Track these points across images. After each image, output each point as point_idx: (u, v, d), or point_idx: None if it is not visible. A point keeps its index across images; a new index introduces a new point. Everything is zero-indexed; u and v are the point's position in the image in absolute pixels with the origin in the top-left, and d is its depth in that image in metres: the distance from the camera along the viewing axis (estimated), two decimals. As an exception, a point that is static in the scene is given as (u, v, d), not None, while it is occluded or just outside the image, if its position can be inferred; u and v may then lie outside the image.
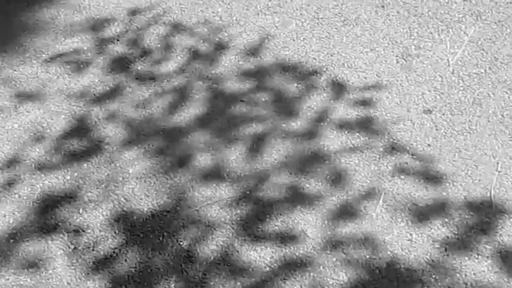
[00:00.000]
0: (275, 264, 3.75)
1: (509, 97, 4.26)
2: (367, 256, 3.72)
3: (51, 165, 4.32)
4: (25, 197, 4.18)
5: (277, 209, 3.95)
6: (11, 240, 4.01)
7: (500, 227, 3.73)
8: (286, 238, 3.84)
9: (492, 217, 3.77)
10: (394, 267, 3.66)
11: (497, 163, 3.98)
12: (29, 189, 4.21)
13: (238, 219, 3.94)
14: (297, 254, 3.77)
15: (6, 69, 4.85)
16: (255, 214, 3.95)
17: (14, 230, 4.05)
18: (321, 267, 3.71)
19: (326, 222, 3.87)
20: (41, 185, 4.23)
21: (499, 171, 3.95)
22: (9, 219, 4.10)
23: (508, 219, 3.75)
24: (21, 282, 3.84)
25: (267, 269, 3.74)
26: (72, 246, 3.94)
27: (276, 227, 3.88)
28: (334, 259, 3.73)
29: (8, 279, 3.86)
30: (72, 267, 3.86)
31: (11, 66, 4.87)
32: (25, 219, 4.08)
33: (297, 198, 3.98)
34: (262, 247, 3.82)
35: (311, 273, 3.69)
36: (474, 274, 3.59)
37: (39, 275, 3.85)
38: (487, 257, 3.64)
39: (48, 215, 4.09)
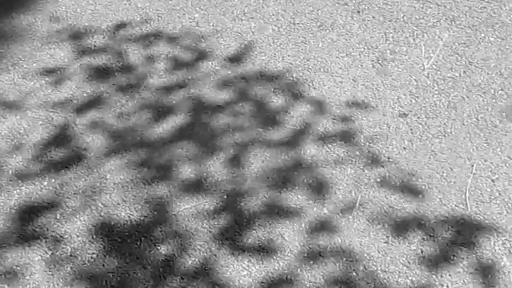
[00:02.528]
0: (253, 270, 3.75)
1: (483, 100, 4.29)
2: (344, 259, 3.73)
3: (30, 173, 4.30)
4: (2, 204, 4.16)
5: (257, 219, 3.95)
6: (-11, 248, 4.00)
7: (475, 229, 3.76)
8: (264, 245, 3.84)
9: (467, 219, 3.80)
10: (370, 270, 3.68)
11: (472, 165, 4.01)
12: (7, 197, 4.19)
13: (217, 225, 3.94)
14: (275, 259, 3.78)
15: (-16, 78, 4.84)
16: (234, 223, 3.95)
17: (-8, 238, 4.04)
18: (299, 270, 3.71)
19: (304, 228, 3.88)
20: (19, 192, 4.21)
21: (474, 174, 3.98)
22: (-13, 227, 4.09)
23: (483, 221, 3.78)
24: (0, 290, 3.83)
25: (245, 273, 3.75)
26: (50, 253, 3.93)
27: (255, 236, 3.89)
28: (312, 263, 3.74)
29: (-14, 287, 3.85)
30: (51, 274, 3.84)
31: (-11, 75, 4.86)
32: (3, 227, 4.06)
33: (276, 207, 3.99)
34: (240, 254, 3.82)
35: (289, 278, 3.69)
36: (450, 276, 3.61)
37: (17, 282, 3.84)
38: (462, 258, 3.66)
39: (26, 222, 4.07)
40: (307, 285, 3.67)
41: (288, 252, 3.79)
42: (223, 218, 3.96)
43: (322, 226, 3.87)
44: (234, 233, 3.89)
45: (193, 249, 3.85)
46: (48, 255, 3.92)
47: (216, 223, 3.94)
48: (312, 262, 3.75)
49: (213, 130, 4.37)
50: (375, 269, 3.68)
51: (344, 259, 3.73)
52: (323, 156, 4.16)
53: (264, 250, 3.81)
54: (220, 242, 3.87)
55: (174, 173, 4.19)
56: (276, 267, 3.74)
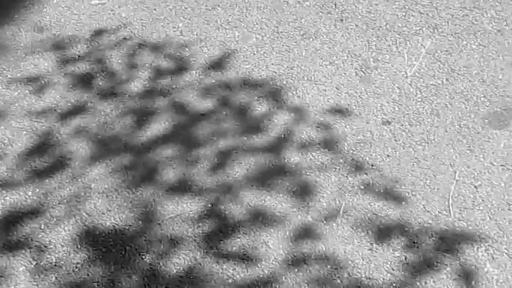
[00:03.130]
0: (237, 277, 3.75)
1: (466, 107, 4.32)
2: (329, 266, 3.74)
3: (13, 182, 4.29)
4: (-13, 215, 4.16)
5: (240, 224, 3.96)
6: (-27, 258, 3.99)
7: (459, 236, 3.77)
8: (248, 251, 3.85)
9: (451, 226, 3.82)
10: (355, 277, 3.69)
11: (455, 172, 4.03)
12: (-9, 207, 4.19)
13: (202, 233, 3.94)
14: (259, 265, 3.78)
15: (-33, 87, 4.83)
16: (218, 229, 3.96)
17: (-24, 248, 4.03)
18: (283, 278, 3.72)
19: (288, 235, 3.89)
20: (3, 201, 4.20)
21: (457, 180, 4.00)
22: (-29, 237, 4.08)
23: (466, 227, 3.80)
24: (-16, 300, 3.82)
25: (230, 281, 3.75)
26: (35, 263, 3.92)
27: (239, 240, 3.89)
28: (296, 270, 3.74)
29: (-30, 298, 3.84)
30: (35, 283, 3.83)
31: (-28, 84, 4.85)
32: (-13, 237, 4.06)
33: (260, 213, 3.99)
34: (225, 260, 3.82)
35: (273, 285, 3.70)
36: (433, 282, 3.62)
37: (2, 293, 3.83)
38: (446, 265, 3.68)
39: (10, 231, 4.06)
40: (291, 285, 3.68)
41: (273, 260, 3.79)
42: (207, 226, 3.96)
43: (307, 233, 3.88)
44: (218, 241, 3.89)
45: (178, 257, 3.85)
46: (32, 265, 3.91)
47: (200, 231, 3.94)
48: (296, 270, 3.75)
49: (197, 138, 4.37)
50: (359, 276, 3.69)
51: (328, 266, 3.74)
52: (307, 164, 4.17)
53: (249, 258, 3.81)
54: (205, 250, 3.87)
55: (158, 181, 4.19)
56: (261, 275, 3.74)
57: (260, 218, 3.96)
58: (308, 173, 4.12)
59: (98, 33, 5.11)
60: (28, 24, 5.21)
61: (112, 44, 5.02)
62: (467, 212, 3.85)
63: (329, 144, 4.25)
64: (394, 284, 3.64)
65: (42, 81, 4.84)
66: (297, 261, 3.78)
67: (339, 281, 3.68)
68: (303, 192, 4.05)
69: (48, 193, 4.21)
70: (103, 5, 5.25)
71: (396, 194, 3.98)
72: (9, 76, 4.89)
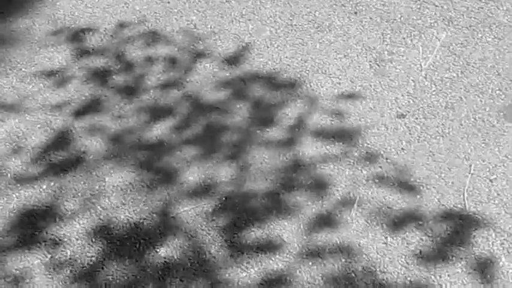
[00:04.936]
0: (252, 271, 3.76)
1: (481, 101, 4.30)
2: (343, 260, 3.74)
3: (29, 176, 4.31)
4: (2, 208, 4.16)
5: (254, 216, 3.96)
6: (-11, 252, 4.01)
7: (473, 229, 3.77)
8: (263, 245, 3.85)
9: (466, 220, 3.81)
10: (369, 271, 3.69)
11: (470, 166, 4.02)
12: (6, 200, 4.20)
13: (216, 226, 3.95)
14: (274, 260, 3.79)
15: (-18, 81, 4.86)
16: (232, 222, 3.96)
17: (-9, 242, 4.05)
18: (298, 273, 3.72)
19: (303, 228, 3.89)
20: (18, 195, 4.22)
21: (472, 174, 3.99)
22: (-13, 230, 4.10)
23: (481, 221, 3.79)
24: (0, 294, 3.84)
25: (244, 275, 3.75)
26: (50, 256, 3.94)
27: (253, 234, 3.90)
28: (311, 263, 3.75)
29: (-14, 291, 3.86)
30: (50, 277, 3.85)
31: (-13, 78, 4.87)
32: (2, 231, 4.07)
33: (274, 205, 4.00)
34: (239, 254, 3.83)
35: (288, 279, 3.70)
36: (448, 276, 3.62)
37: (17, 286, 3.84)
38: (461, 258, 3.67)
39: (25, 225, 4.08)
40: (306, 287, 3.68)
41: (287, 254, 3.80)
42: (222, 220, 3.97)
43: (321, 227, 3.88)
44: (232, 235, 3.90)
45: (192, 251, 3.86)
46: (47, 259, 3.93)
47: (215, 225, 3.95)
48: (310, 263, 3.75)
49: (211, 131, 4.38)
50: (374, 269, 3.69)
51: (343, 260, 3.74)
52: (321, 157, 4.17)
53: (263, 251, 3.82)
54: (219, 243, 3.88)
55: (173, 175, 4.20)
56: (275, 268, 3.75)
57: (274, 212, 3.96)
58: (322, 166, 4.12)
59: (113, 26, 5.12)
60: (42, 17, 5.22)
61: (126, 37, 5.03)
62: (483, 206, 3.84)
63: (343, 137, 4.24)
64: (408, 278, 3.64)
65: (57, 75, 4.85)
66: (311, 255, 3.78)
67: (353, 274, 3.68)
68: (318, 185, 4.05)
69: (63, 187, 4.23)
70: (117, -2, 5.27)
71: (411, 188, 3.98)
72: (23, 70, 4.90)
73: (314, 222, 3.91)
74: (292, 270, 3.74)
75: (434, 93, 4.38)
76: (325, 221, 3.91)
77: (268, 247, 3.84)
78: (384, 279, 3.64)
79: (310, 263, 3.75)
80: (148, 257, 3.87)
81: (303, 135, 4.29)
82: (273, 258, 3.79)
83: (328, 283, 3.68)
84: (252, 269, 3.76)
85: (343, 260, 3.74)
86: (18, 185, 4.27)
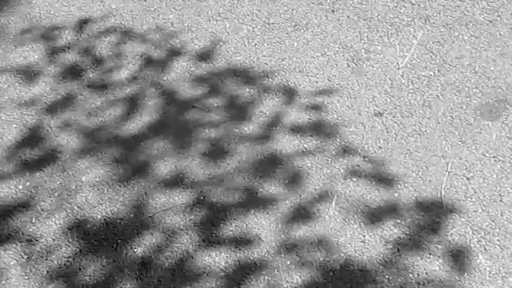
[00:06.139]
0: (230, 269, 3.77)
1: (457, 99, 4.33)
2: (321, 258, 3.75)
3: (3, 175, 4.29)
4: (-23, 208, 4.15)
5: (232, 214, 3.97)
6: (-37, 252, 3.98)
7: (450, 227, 3.79)
8: (240, 242, 3.86)
9: (442, 217, 3.83)
10: (347, 269, 3.70)
11: (447, 164, 4.05)
12: (-19, 200, 4.19)
13: (193, 224, 3.95)
14: (252, 257, 3.79)
15: (-44, 79, 4.82)
16: (209, 219, 3.96)
17: (-34, 242, 4.02)
18: (276, 271, 3.73)
19: (280, 225, 3.90)
20: (-7, 195, 4.20)
21: (449, 172, 4.01)
22: (-39, 230, 4.07)
23: (458, 219, 3.81)
24: (-25, 294, 3.82)
25: (222, 273, 3.76)
26: (26, 256, 3.92)
27: (231, 232, 3.90)
28: (289, 262, 3.76)
29: (-40, 291, 3.84)
30: (26, 278, 3.83)
31: (-39, 76, 4.85)
32: (-23, 230, 4.06)
33: (251, 202, 4.00)
34: (217, 252, 3.83)
35: (265, 277, 3.71)
36: (426, 273, 3.64)
37: (-7, 286, 3.83)
38: (439, 256, 3.70)
39: (1, 225, 4.06)
40: (284, 284, 3.68)
41: (265, 252, 3.80)
42: (199, 219, 3.97)
43: (299, 224, 3.89)
44: (210, 234, 3.90)
45: (171, 250, 3.86)
46: (23, 259, 3.91)
47: (192, 224, 3.95)
48: (288, 262, 3.76)
49: (188, 129, 4.37)
50: (352, 268, 3.70)
51: (321, 258, 3.75)
52: (298, 155, 4.17)
53: (239, 243, 3.83)
54: (197, 243, 3.88)
55: (150, 173, 4.19)
56: (253, 266, 3.75)
57: (252, 210, 3.97)
58: (300, 165, 4.13)
59: (88, 24, 5.10)
60: (18, 15, 5.19)
61: (102, 35, 5.01)
62: (460, 203, 3.87)
63: (320, 135, 4.25)
64: (387, 276, 3.65)
65: (32, 73, 4.82)
66: (289, 252, 3.79)
67: (331, 273, 3.69)
68: (295, 182, 4.06)
69: (38, 186, 4.21)
70: (92, -4, 5.25)
71: (388, 185, 4.00)
72: (-2, 68, 4.88)
73: (292, 220, 3.92)
74: (270, 268, 3.74)
75: (411, 91, 4.40)
76: (302, 218, 3.91)
77: (246, 245, 3.84)
78: (362, 278, 3.66)
79: (288, 262, 3.76)
80: (125, 256, 3.86)
81: (280, 133, 4.30)
82: (251, 257, 3.79)
83: (306, 281, 3.68)
84: (230, 269, 3.76)
85: (322, 258, 3.75)
86: (-7, 184, 4.25)
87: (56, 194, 4.16)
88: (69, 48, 4.97)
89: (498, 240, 3.73)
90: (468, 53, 4.55)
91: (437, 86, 4.40)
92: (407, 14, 4.82)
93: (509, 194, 3.89)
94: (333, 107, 4.38)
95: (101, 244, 3.92)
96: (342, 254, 3.75)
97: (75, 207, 4.09)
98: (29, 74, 4.82)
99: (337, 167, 4.10)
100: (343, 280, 3.66)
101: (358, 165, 4.10)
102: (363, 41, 4.70)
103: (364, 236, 3.81)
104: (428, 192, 3.94)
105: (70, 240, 3.96)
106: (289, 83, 4.53)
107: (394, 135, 4.20)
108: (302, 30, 4.82)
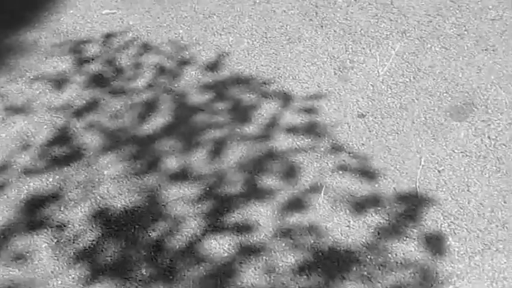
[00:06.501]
0: (232, 251, 3.74)
1: (430, 102, 4.30)
2: (312, 241, 3.73)
3: (36, 170, 4.26)
4: (13, 198, 4.12)
5: (234, 203, 3.94)
6: (1, 236, 3.96)
7: (424, 213, 3.76)
8: (241, 228, 3.84)
9: (418, 205, 3.81)
10: (335, 250, 3.68)
11: (421, 158, 4.02)
12: (17, 191, 4.16)
13: (200, 212, 3.92)
14: (251, 241, 3.77)
15: (-5, 87, 4.80)
16: (214, 208, 3.94)
17: (3, 227, 4.00)
18: (272, 252, 3.71)
19: (276, 212, 3.87)
20: (27, 187, 4.17)
21: (423, 166, 3.98)
22: (-1, 217, 4.06)
23: (431, 206, 3.79)
24: (11, 273, 3.79)
25: (226, 255, 3.74)
26: (55, 240, 3.90)
27: (233, 218, 3.87)
28: (283, 244, 3.74)
29: (-2, 271, 3.82)
30: (56, 258, 3.81)
31: (-1, 84, 4.83)
32: (13, 218, 4.03)
33: (251, 193, 3.98)
34: (221, 236, 3.81)
35: (264, 257, 3.70)
36: (403, 254, 3.62)
37: (27, 266, 3.81)
38: (414, 239, 3.67)
39: (33, 213, 4.04)
40: (279, 264, 3.66)
41: (263, 236, 3.79)
42: (206, 207, 3.95)
43: (292, 212, 3.87)
44: (215, 220, 3.87)
45: (181, 235, 3.84)
46: (53, 242, 3.89)
47: (200, 211, 3.92)
48: (283, 244, 3.74)
49: (196, 129, 4.35)
50: (339, 249, 3.68)
51: (312, 241, 3.73)
52: (292, 151, 4.15)
53: (240, 229, 3.82)
54: (204, 228, 3.85)
55: (163, 168, 4.17)
56: (253, 248, 3.74)
57: (252, 200, 3.94)
58: (293, 160, 4.10)
59: (109, 38, 5.07)
60: (48, 31, 5.16)
61: (121, 48, 4.98)
62: (432, 193, 3.84)
63: (312, 135, 4.23)
64: (369, 256, 3.63)
65: (61, 81, 4.80)
66: (284, 236, 3.77)
67: (320, 254, 3.67)
68: (289, 175, 4.03)
69: (66, 179, 4.18)
70: (113, 14, 5.20)
71: (370, 178, 3.97)
72: (31, 77, 4.85)
73: (286, 208, 3.89)
74: (267, 250, 3.72)
75: (390, 96, 4.37)
76: (296, 207, 3.89)
77: (246, 230, 3.82)
78: (347, 258, 3.63)
79: (283, 244, 3.73)
80: (142, 240, 3.84)
81: (276, 132, 4.27)
82: (251, 240, 3.77)
83: (299, 261, 3.66)
84: (232, 250, 3.74)
85: (312, 241, 3.73)
86: (27, 178, 4.22)
87: (81, 186, 4.13)
88: (93, 59, 4.94)
89: (465, 224, 3.70)
90: (439, 62, 4.52)
91: (413, 91, 4.37)
92: (387, 29, 4.78)
93: (475, 185, 3.86)
94: (322, 109, 4.35)
95: (120, 229, 3.90)
96: (330, 237, 3.72)
97: (98, 197, 4.06)
98: (58, 82, 4.79)
99: (325, 162, 4.07)
100: (330, 260, 3.64)
101: (344, 160, 4.07)
102: (347, 52, 4.67)
103: (349, 221, 3.78)
104: (405, 183, 3.91)
105: (93, 226, 3.93)
106: (284, 89, 4.50)
107: (375, 134, 4.17)
108: (295, 43, 4.78)
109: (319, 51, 4.72)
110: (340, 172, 4.02)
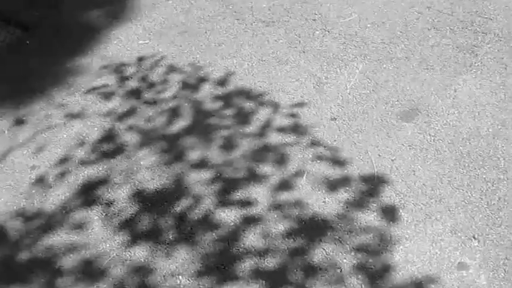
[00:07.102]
0: (237, 221, 3.78)
1: (385, 108, 4.32)
2: (297, 213, 3.76)
3: (89, 161, 4.29)
4: (72, 182, 4.15)
5: (238, 185, 3.97)
6: (63, 211, 3.99)
7: (381, 192, 3.80)
8: (244, 203, 3.87)
9: (376, 185, 3.84)
10: (314, 220, 3.71)
11: (379, 150, 4.05)
12: (75, 177, 4.18)
13: (213, 192, 3.95)
14: (251, 213, 3.80)
15: (58, 99, 4.80)
16: (223, 188, 3.97)
17: (65, 204, 4.03)
18: (267, 222, 3.74)
19: (270, 192, 3.91)
20: (83, 174, 4.20)
21: (380, 155, 4.01)
22: (62, 197, 4.08)
23: (386, 186, 3.82)
24: (71, 239, 3.83)
25: (232, 224, 3.77)
26: (104, 214, 3.93)
27: (237, 196, 3.91)
28: (275, 216, 3.77)
29: (62, 237, 3.85)
30: (104, 228, 3.85)
31: (61, 96, 4.82)
32: (73, 197, 4.06)
33: (251, 177, 4.01)
34: (229, 210, 3.84)
35: (261, 225, 3.73)
36: (365, 222, 3.66)
37: (83, 233, 3.84)
38: (374, 211, 3.71)
39: (87, 194, 4.07)
40: (273, 230, 3.69)
41: (260, 209, 3.81)
42: (217, 188, 3.97)
43: (282, 191, 3.90)
44: (224, 198, 3.91)
45: (199, 209, 3.87)
46: (103, 216, 3.93)
47: (212, 191, 3.95)
48: (276, 215, 3.77)
49: (209, 129, 4.38)
50: (317, 219, 3.72)
51: (297, 213, 3.76)
52: (282, 146, 4.17)
53: (243, 204, 3.85)
54: (216, 204, 3.89)
55: (184, 158, 4.20)
56: (253, 219, 3.76)
57: (252, 182, 3.97)
58: (283, 152, 4.13)
59: (143, 61, 5.08)
60: (97, 56, 5.17)
61: (153, 69, 4.99)
62: (387, 177, 3.87)
63: (296, 133, 4.25)
64: (340, 224, 3.67)
65: (107, 94, 4.82)
66: (276, 210, 3.80)
67: (303, 223, 3.70)
68: (280, 164, 4.06)
69: (112, 168, 4.21)
70: (146, 44, 5.22)
71: (341, 165, 4.00)
72: (85, 91, 4.85)
73: (277, 188, 3.93)
74: (263, 220, 3.75)
75: (355, 103, 4.39)
76: (284, 187, 3.92)
77: (247, 205, 3.85)
78: (323, 225, 3.67)
79: (275, 216, 3.77)
80: (169, 213, 3.87)
81: (269, 131, 4.29)
82: (251, 213, 3.80)
83: (287, 228, 3.70)
84: (237, 221, 3.78)
85: (297, 213, 3.76)
86: (83, 167, 4.25)
87: (123, 173, 4.17)
88: (131, 77, 4.95)
89: (412, 200, 3.74)
90: (392, 78, 4.54)
91: (372, 100, 4.40)
92: (352, 53, 4.81)
93: (419, 170, 3.90)
94: (304, 114, 4.38)
95: (153, 205, 3.93)
96: (310, 210, 3.76)
97: (136, 182, 4.09)
98: (105, 95, 4.81)
99: (307, 153, 4.11)
100: (311, 226, 3.68)
101: (321, 152, 4.10)
102: (323, 71, 4.69)
103: (325, 198, 3.82)
104: (366, 169, 3.95)
105: (133, 203, 3.97)
106: (275, 99, 4.52)
107: (344, 133, 4.20)
108: (283, 65, 4.80)
109: (302, 70, 4.74)
110: (318, 161, 4.06)
